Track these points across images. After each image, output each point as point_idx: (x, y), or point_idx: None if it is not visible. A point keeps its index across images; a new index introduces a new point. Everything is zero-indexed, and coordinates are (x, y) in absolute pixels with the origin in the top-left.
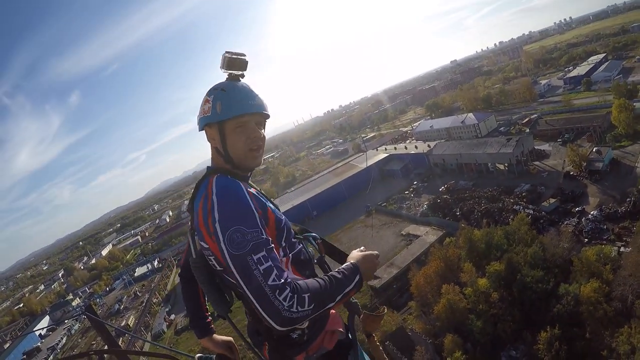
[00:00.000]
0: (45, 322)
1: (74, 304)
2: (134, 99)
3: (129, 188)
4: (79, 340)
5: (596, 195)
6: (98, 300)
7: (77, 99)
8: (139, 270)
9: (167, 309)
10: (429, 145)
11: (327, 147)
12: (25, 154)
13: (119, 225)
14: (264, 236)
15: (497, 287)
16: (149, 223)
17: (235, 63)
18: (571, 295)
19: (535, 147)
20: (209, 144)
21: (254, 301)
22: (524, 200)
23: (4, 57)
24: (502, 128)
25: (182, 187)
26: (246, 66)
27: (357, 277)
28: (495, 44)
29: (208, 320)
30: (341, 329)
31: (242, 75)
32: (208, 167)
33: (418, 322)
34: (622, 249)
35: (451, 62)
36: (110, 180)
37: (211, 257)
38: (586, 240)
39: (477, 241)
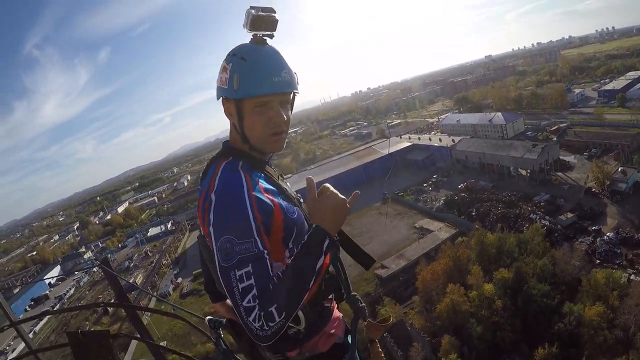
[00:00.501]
0: (56, 271)
1: (85, 256)
2: (163, 60)
3: (151, 148)
4: (87, 292)
5: (615, 217)
6: (109, 255)
7: (106, 56)
8: (152, 231)
9: (175, 272)
10: (453, 140)
11: (351, 128)
12: (50, 106)
13: (137, 184)
14: (256, 249)
15: (502, 295)
16: (167, 185)
17: (262, 21)
18: (574, 316)
19: (560, 158)
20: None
21: (236, 313)
22: (542, 210)
23: (36, 8)
24: (529, 132)
25: (203, 153)
26: (276, 25)
27: (327, 242)
28: (533, 44)
29: None
30: (340, 334)
31: (271, 36)
32: (224, 142)
33: (419, 318)
34: (632, 276)
35: (486, 57)
36: (133, 139)
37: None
38: (598, 261)
39: (489, 245)
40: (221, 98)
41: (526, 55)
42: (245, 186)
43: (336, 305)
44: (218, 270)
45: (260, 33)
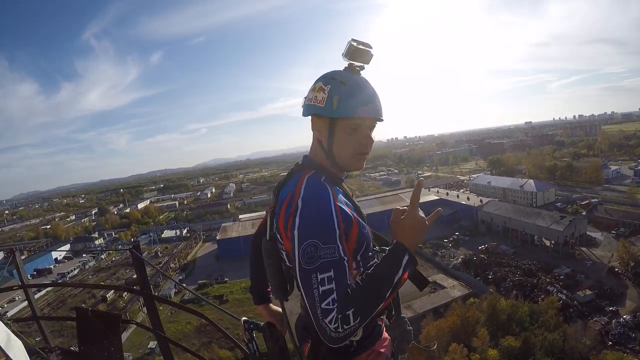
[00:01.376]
0: (65, 249)
1: (96, 242)
2: (210, 74)
3: (182, 155)
4: (90, 277)
5: (635, 300)
6: (119, 247)
7: (158, 59)
8: (167, 233)
9: (181, 277)
10: (481, 200)
11: (382, 173)
12: (95, 94)
13: (162, 185)
14: (338, 255)
15: None
16: (191, 193)
17: (359, 53)
18: None
19: (587, 233)
20: (270, 136)
21: (311, 316)
22: (560, 283)
23: (101, 2)
24: (559, 203)
25: (232, 169)
26: (370, 59)
27: (406, 258)
28: (574, 116)
29: (268, 289)
30: (388, 354)
31: (363, 68)
32: (305, 156)
33: None
34: None
35: (525, 123)
36: (167, 142)
37: (283, 252)
38: (610, 343)
39: (500, 310)
40: (312, 115)
41: (566, 126)
42: (330, 196)
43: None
44: (298, 272)
45: (356, 63)
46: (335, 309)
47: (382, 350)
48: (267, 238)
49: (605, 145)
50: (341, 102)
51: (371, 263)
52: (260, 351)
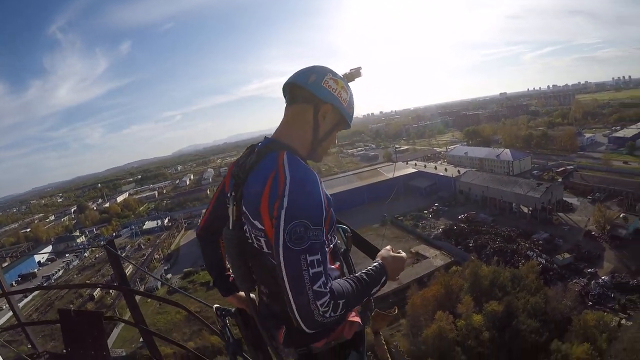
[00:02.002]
0: (47, 251)
1: (79, 240)
2: (181, 60)
3: (158, 143)
4: (75, 276)
5: (612, 262)
6: (102, 242)
7: (127, 49)
8: (148, 224)
9: (166, 267)
10: (458, 171)
11: (359, 149)
12: (65, 88)
13: (139, 176)
14: (322, 238)
15: (490, 327)
16: (169, 181)
17: (357, 76)
18: (562, 354)
19: (564, 199)
20: (246, 118)
21: (292, 299)
22: (539, 248)
23: None
24: (535, 171)
25: (209, 155)
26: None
27: (384, 278)
28: (548, 86)
29: (231, 278)
30: (359, 322)
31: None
32: (272, 138)
33: (404, 341)
34: (623, 321)
35: (500, 94)
36: (142, 132)
37: (260, 238)
38: (590, 303)
39: (482, 277)
40: (328, 104)
41: (541, 96)
42: (318, 178)
43: None
44: (283, 252)
45: (354, 78)
46: (329, 294)
47: (355, 319)
48: (230, 228)
49: (579, 114)
50: (350, 110)
51: (335, 241)
52: (234, 337)
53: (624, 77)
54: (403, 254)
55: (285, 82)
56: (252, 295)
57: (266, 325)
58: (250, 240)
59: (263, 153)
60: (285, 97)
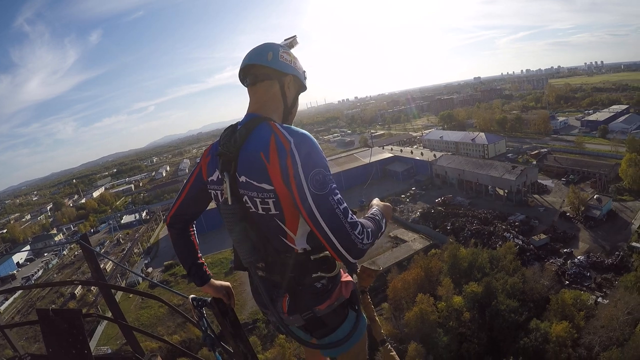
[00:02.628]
0: (25, 252)
1: (56, 238)
2: (152, 50)
3: (132, 136)
4: (55, 275)
5: (587, 242)
6: (76, 238)
7: (97, 39)
8: (126, 218)
9: (146, 261)
10: (434, 155)
11: (335, 135)
12: (35, 82)
13: (115, 170)
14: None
15: (470, 308)
16: (145, 174)
17: (295, 44)
18: (540, 332)
19: (538, 181)
20: (221, 107)
21: (334, 239)
22: (516, 229)
23: None
24: (510, 154)
25: (184, 145)
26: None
27: (384, 221)
28: (522, 70)
29: (205, 267)
30: (353, 280)
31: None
32: (253, 114)
33: (387, 324)
34: (599, 299)
35: (474, 78)
36: (115, 124)
37: (269, 200)
38: (567, 282)
39: (461, 259)
40: (289, 75)
41: (514, 80)
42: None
43: None
44: (312, 200)
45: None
46: (359, 223)
47: (348, 278)
48: (230, 203)
49: (552, 98)
50: (304, 74)
51: None
52: (212, 327)
53: (596, 62)
54: (389, 204)
55: (243, 66)
56: (226, 283)
57: (269, 297)
58: (252, 209)
59: (252, 125)
60: (245, 79)
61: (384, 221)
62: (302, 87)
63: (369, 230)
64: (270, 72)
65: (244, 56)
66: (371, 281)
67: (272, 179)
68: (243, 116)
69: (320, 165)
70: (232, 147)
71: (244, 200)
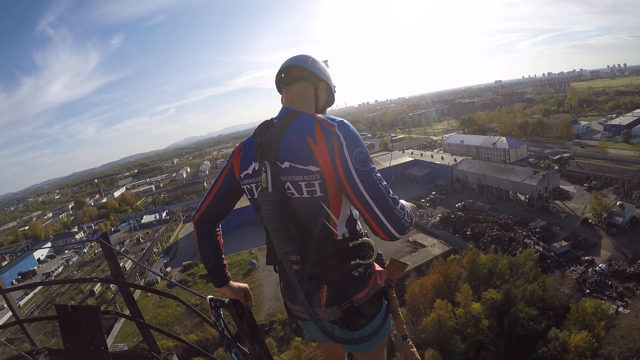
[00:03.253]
0: (46, 248)
1: (77, 236)
2: (173, 53)
3: (153, 137)
4: (75, 272)
5: (609, 249)
6: (96, 236)
7: (119, 42)
8: (146, 218)
9: (165, 261)
10: (455, 160)
11: None
12: (58, 85)
13: (136, 170)
14: None
15: (489, 315)
16: (166, 175)
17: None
18: (559, 342)
19: (560, 186)
20: (241, 110)
21: (379, 212)
22: (537, 236)
23: None
24: (531, 159)
25: (204, 147)
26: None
27: (415, 214)
28: (543, 74)
29: (226, 269)
30: (386, 270)
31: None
32: (291, 109)
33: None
34: (620, 308)
35: (495, 82)
36: (136, 126)
37: (314, 182)
38: (588, 291)
39: (480, 265)
40: (323, 81)
41: (536, 83)
42: None
43: None
44: (356, 175)
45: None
46: (399, 200)
47: (380, 269)
48: (270, 190)
49: (574, 101)
50: (334, 89)
51: None
52: (228, 328)
53: (619, 65)
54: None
55: (285, 65)
56: (244, 284)
57: (306, 289)
58: (296, 195)
59: (292, 117)
60: (282, 79)
61: (415, 212)
62: (331, 99)
63: (408, 210)
64: (307, 74)
65: (284, 61)
66: (399, 274)
67: (318, 160)
68: (262, 119)
69: (361, 146)
70: (272, 136)
71: (285, 187)
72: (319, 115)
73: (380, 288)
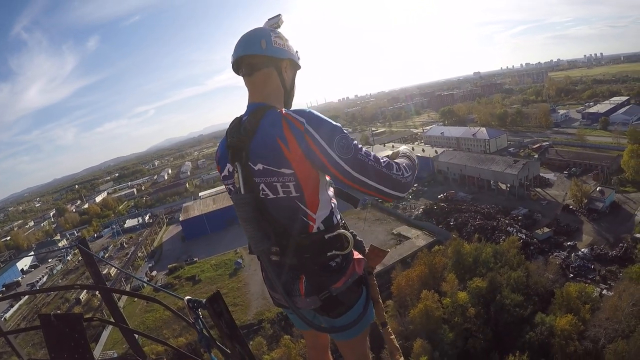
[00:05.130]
0: (29, 258)
1: (60, 244)
2: (150, 53)
3: (133, 140)
4: (60, 280)
5: (590, 234)
6: (68, 245)
7: (95, 44)
8: (129, 222)
9: (150, 265)
10: (436, 151)
11: None
12: (34, 90)
13: (117, 174)
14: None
15: (475, 303)
16: (147, 177)
17: (280, 21)
18: (546, 326)
19: (541, 174)
20: (222, 109)
21: (379, 186)
22: (519, 223)
23: None
24: (511, 148)
25: (185, 148)
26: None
27: (414, 155)
28: (521, 64)
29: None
30: (365, 257)
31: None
32: (257, 104)
33: (392, 322)
34: (604, 291)
35: (474, 73)
36: (115, 129)
37: (289, 184)
38: (571, 275)
39: (465, 254)
40: (285, 60)
41: (514, 74)
42: None
43: None
44: (345, 164)
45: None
46: (394, 164)
47: (359, 256)
48: (243, 192)
49: (552, 91)
50: (297, 54)
51: None
52: (207, 328)
53: (595, 54)
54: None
55: (237, 57)
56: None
57: (285, 280)
58: (271, 195)
59: (260, 114)
60: (239, 70)
61: (414, 155)
62: (298, 67)
63: (405, 165)
64: (266, 61)
65: (235, 46)
66: (379, 261)
67: (292, 163)
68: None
69: (337, 131)
70: (242, 136)
71: (260, 188)
72: (286, 111)
73: (359, 276)
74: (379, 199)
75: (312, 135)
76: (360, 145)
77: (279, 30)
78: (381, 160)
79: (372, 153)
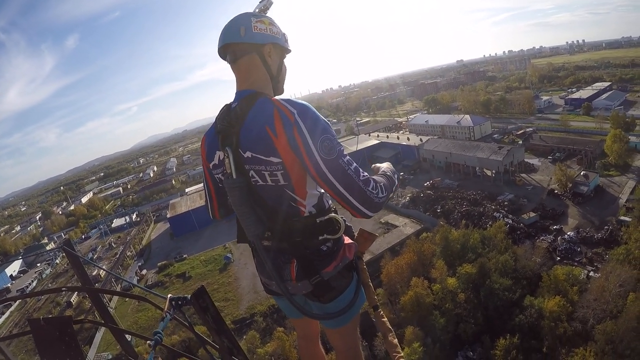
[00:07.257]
0: (17, 263)
1: (48, 248)
2: (131, 50)
3: (117, 138)
4: (50, 285)
5: (576, 218)
6: (54, 247)
7: (74, 43)
8: (117, 222)
9: (140, 263)
10: (421, 140)
11: None
12: (14, 92)
13: (102, 174)
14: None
15: (465, 289)
16: (133, 176)
17: (268, 5)
18: (535, 309)
19: (525, 160)
20: (205, 103)
21: (349, 196)
22: (505, 209)
23: None
24: (496, 135)
25: (170, 144)
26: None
27: (396, 176)
28: (504, 52)
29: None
30: (355, 242)
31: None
32: (248, 91)
33: (383, 310)
34: (591, 273)
35: (457, 61)
36: (98, 128)
37: (277, 172)
38: (558, 258)
39: (453, 241)
40: (269, 44)
41: (497, 61)
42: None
43: None
44: (324, 165)
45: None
46: (371, 180)
47: (349, 241)
48: (234, 177)
49: (535, 78)
50: (284, 37)
51: None
52: (192, 325)
53: (577, 41)
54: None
55: (220, 46)
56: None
57: (276, 264)
58: (260, 182)
59: (251, 101)
60: (225, 58)
61: (395, 176)
62: (286, 51)
63: (382, 185)
64: (246, 47)
65: (220, 34)
66: (368, 245)
67: (279, 151)
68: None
69: (326, 132)
70: (232, 122)
71: (250, 174)
72: (278, 100)
73: (349, 260)
74: (343, 207)
75: (300, 127)
76: (345, 153)
77: (268, 13)
78: (360, 173)
79: (355, 164)
